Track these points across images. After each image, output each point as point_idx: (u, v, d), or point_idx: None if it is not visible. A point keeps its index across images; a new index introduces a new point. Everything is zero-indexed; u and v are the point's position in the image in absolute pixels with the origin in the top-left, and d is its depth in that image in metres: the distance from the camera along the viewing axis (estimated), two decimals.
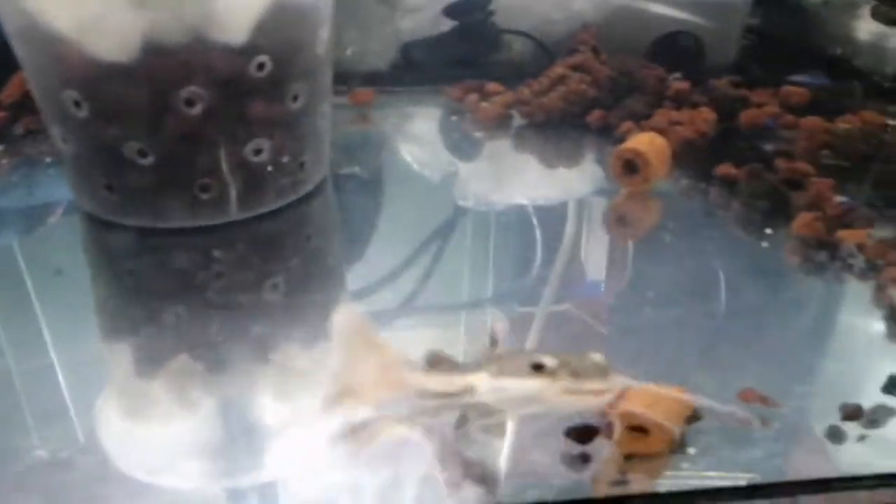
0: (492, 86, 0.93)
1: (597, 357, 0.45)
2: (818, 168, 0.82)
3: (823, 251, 0.68)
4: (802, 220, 0.69)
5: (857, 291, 0.65)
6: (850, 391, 0.55)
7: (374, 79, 0.99)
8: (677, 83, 0.93)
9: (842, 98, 0.93)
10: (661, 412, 0.46)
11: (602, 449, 0.48)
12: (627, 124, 0.86)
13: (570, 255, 0.72)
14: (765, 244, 0.71)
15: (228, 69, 0.64)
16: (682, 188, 0.80)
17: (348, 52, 1.00)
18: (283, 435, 0.52)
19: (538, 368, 0.44)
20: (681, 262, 0.70)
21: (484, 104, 0.91)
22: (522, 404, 0.45)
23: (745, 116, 0.89)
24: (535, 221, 0.76)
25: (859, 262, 0.66)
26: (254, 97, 0.66)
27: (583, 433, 0.47)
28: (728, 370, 0.56)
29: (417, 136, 0.93)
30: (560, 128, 0.90)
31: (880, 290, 0.63)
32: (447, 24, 1.02)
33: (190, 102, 0.64)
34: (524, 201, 0.81)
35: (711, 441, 0.50)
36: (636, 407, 0.45)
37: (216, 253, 0.68)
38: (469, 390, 0.46)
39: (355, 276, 0.69)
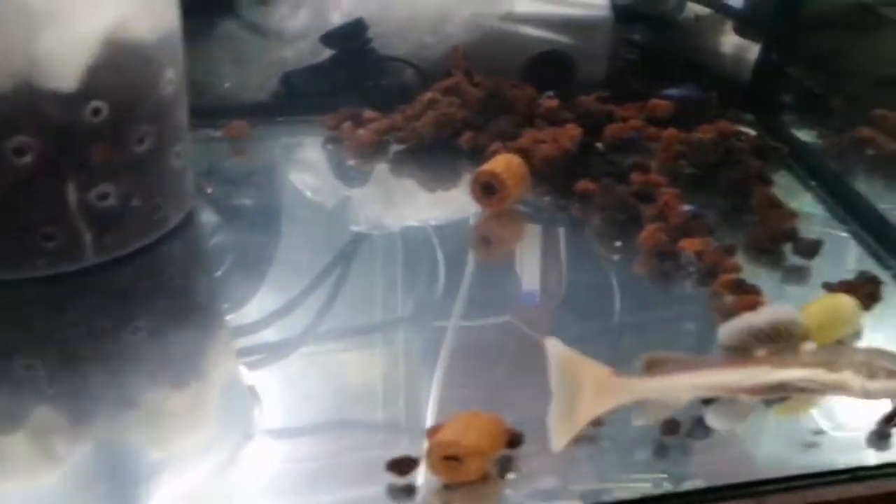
0: (367, 113, 0.95)
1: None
2: (677, 179, 0.87)
3: (667, 261, 0.72)
4: (647, 232, 0.73)
5: (697, 300, 0.69)
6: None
7: (255, 110, 1.00)
8: (548, 101, 0.97)
9: (702, 109, 0.98)
10: (473, 438, 0.48)
11: (427, 480, 0.50)
12: (496, 144, 0.89)
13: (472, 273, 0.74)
14: (616, 257, 0.75)
15: (60, 117, 0.63)
16: (545, 205, 0.84)
17: (226, 85, 1.01)
18: (160, 480, 0.53)
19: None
20: (534, 278, 0.73)
21: (360, 131, 0.94)
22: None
23: (609, 131, 0.93)
24: (434, 241, 0.78)
25: (697, 270, 0.70)
26: (93, 142, 0.66)
27: (402, 465, 0.49)
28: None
29: (304, 165, 0.95)
30: (434, 151, 0.93)
31: (713, 297, 0.67)
32: (329, 53, 1.04)
33: (19, 152, 0.64)
34: (416, 223, 0.83)
35: (538, 464, 0.51)
36: (448, 435, 0.47)
37: (71, 301, 0.68)
38: (841, 386, 0.50)
39: (251, 310, 0.69)
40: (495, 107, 0.95)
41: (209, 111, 0.95)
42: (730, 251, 0.70)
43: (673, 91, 1.05)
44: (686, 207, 0.76)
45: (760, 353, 0.50)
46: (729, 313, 0.65)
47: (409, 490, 0.49)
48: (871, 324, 0.65)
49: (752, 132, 0.96)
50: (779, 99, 0.99)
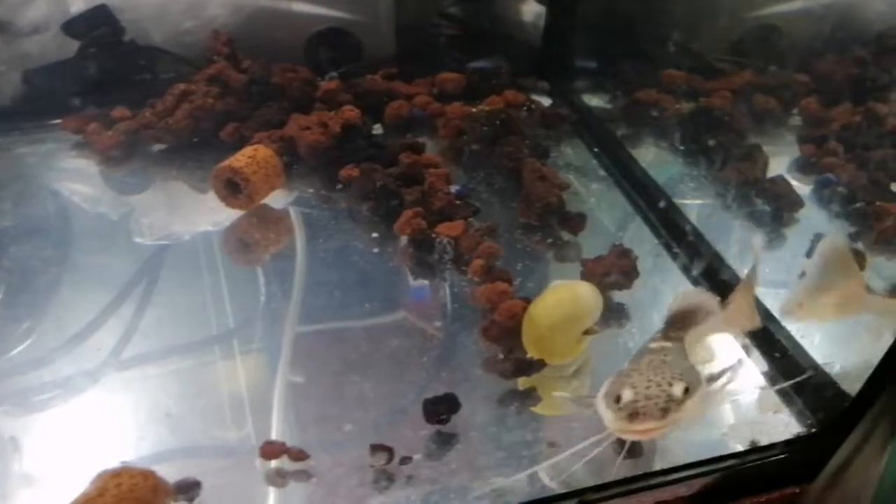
0: (116, 111, 0.84)
1: (676, 391, 0.46)
2: (460, 157, 0.81)
3: (425, 249, 0.66)
4: (403, 218, 0.66)
5: (453, 290, 0.63)
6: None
7: None
8: (327, 84, 0.89)
9: (492, 80, 0.92)
10: (112, 502, 0.39)
11: None
12: (261, 135, 0.81)
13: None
14: (376, 249, 0.69)
15: None
16: (309, 198, 0.76)
17: None
18: None
19: (617, 401, 0.46)
20: (290, 283, 0.65)
21: (107, 134, 0.83)
22: None
23: (390, 109, 0.86)
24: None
25: (451, 256, 0.64)
26: None
27: None
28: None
29: (69, 170, 0.83)
30: (196, 147, 0.83)
31: (469, 286, 0.62)
32: (77, 47, 0.92)
33: None
34: (210, 228, 0.73)
35: None
36: None
37: None
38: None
39: (34, 340, 0.59)
40: (263, 94, 0.86)
41: None
42: (490, 233, 0.64)
43: (479, 64, 1.00)
44: (454, 188, 0.71)
45: None
46: (479, 305, 0.60)
47: None
48: (631, 301, 0.61)
49: (548, 100, 0.93)
50: (570, 65, 0.95)
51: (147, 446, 0.51)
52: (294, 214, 0.74)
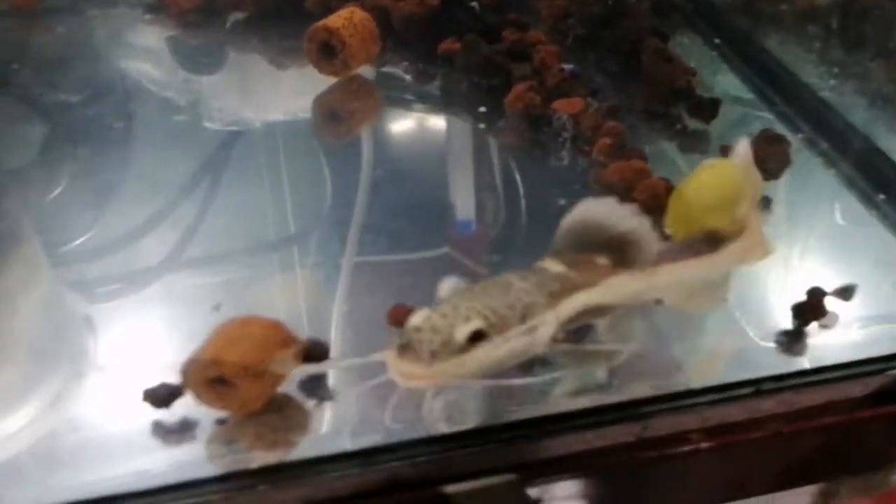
0: None
1: (460, 333, 0.34)
2: (564, 39, 0.74)
3: (539, 126, 0.59)
4: (515, 93, 0.60)
5: (572, 170, 0.58)
6: None
7: None
8: None
9: None
10: (240, 353, 0.34)
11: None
12: (351, 5, 0.74)
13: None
14: (482, 124, 0.63)
15: None
16: (406, 70, 0.69)
17: None
18: None
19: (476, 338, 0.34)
20: (390, 157, 0.60)
21: None
22: None
23: None
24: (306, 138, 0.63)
25: (571, 135, 0.58)
26: None
27: (158, 395, 0.36)
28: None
29: (137, 47, 0.76)
30: (278, 18, 0.77)
31: (595, 165, 0.56)
32: None
33: None
34: (281, 116, 0.67)
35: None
36: (206, 352, 0.34)
37: None
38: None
39: (100, 231, 0.54)
40: None
41: None
42: (612, 113, 0.58)
43: None
44: (565, 67, 0.65)
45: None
46: (610, 184, 0.54)
47: (185, 427, 0.37)
48: (778, 194, 0.54)
49: None
50: None
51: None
52: (386, 88, 0.68)
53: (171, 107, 0.69)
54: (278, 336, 0.36)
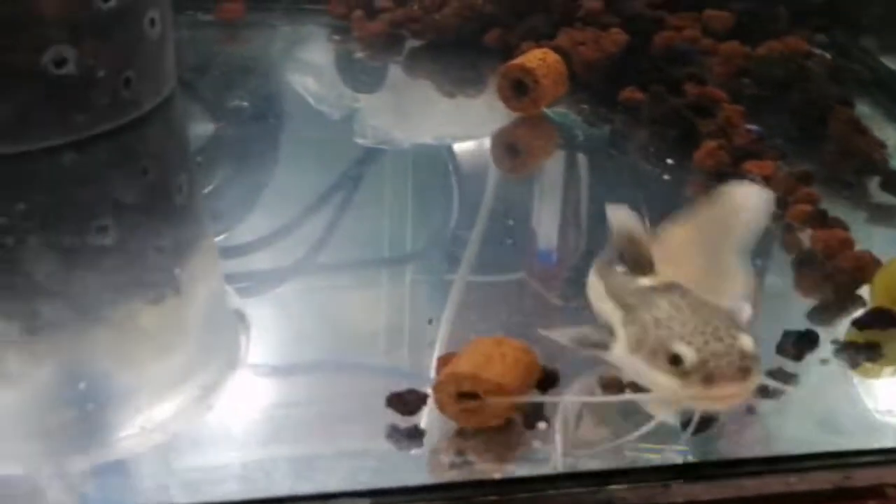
0: (383, 1, 0.82)
1: (746, 343, 0.34)
2: (734, 96, 0.74)
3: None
4: (706, 149, 0.60)
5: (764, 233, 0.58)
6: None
7: None
8: (590, 2, 0.84)
9: (766, 23, 0.85)
10: (496, 372, 0.36)
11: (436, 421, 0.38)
12: (528, 45, 0.76)
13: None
14: (666, 176, 0.63)
15: None
16: (583, 114, 0.71)
17: None
18: (129, 408, 0.42)
19: (675, 362, 0.34)
20: (570, 196, 0.62)
21: (371, 22, 0.81)
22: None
23: (659, 39, 0.79)
24: (448, 164, 0.66)
25: None
26: None
27: (405, 401, 0.38)
28: None
29: (306, 62, 0.81)
30: (456, 48, 0.80)
31: (788, 230, 0.55)
32: None
33: None
34: (431, 138, 0.70)
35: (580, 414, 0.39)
36: (464, 366, 0.36)
37: (19, 189, 0.56)
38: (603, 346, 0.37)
39: (242, 230, 0.58)
40: (529, 3, 0.82)
41: None
42: (804, 178, 0.58)
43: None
44: (751, 127, 0.65)
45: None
46: (804, 251, 0.54)
47: (414, 433, 0.38)
48: None
49: (825, 54, 0.84)
50: (857, 19, 0.86)
51: (324, 353, 0.48)
52: (567, 129, 0.69)
53: (327, 121, 0.72)
54: (528, 359, 0.38)
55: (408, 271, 0.57)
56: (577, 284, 0.46)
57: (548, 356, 0.41)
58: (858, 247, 0.53)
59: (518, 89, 0.66)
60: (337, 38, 0.81)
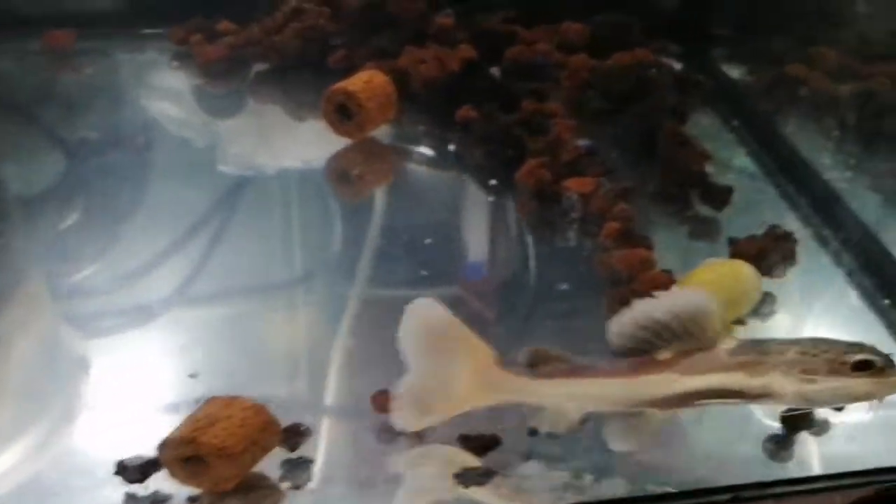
0: (223, 24, 0.79)
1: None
2: (582, 112, 0.73)
3: (548, 204, 0.59)
4: (527, 168, 0.59)
5: (577, 252, 0.57)
6: None
7: (97, 20, 0.82)
8: (442, 19, 0.83)
9: (621, 35, 0.85)
10: (220, 436, 0.34)
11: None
12: (371, 65, 0.75)
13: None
14: (491, 198, 0.63)
15: None
16: (419, 135, 0.70)
17: None
18: None
19: (862, 367, 0.38)
20: (392, 224, 0.60)
21: (211, 47, 0.78)
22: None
23: (510, 54, 0.79)
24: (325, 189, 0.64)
25: (580, 215, 0.58)
26: None
27: (131, 468, 0.36)
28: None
29: (156, 88, 0.78)
30: (300, 71, 0.77)
31: (598, 251, 0.54)
32: None
33: None
34: (296, 164, 0.68)
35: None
36: (185, 430, 0.34)
37: None
38: (769, 393, 0.39)
39: (103, 265, 0.55)
40: (376, 21, 0.80)
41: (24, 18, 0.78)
42: (623, 195, 0.57)
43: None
44: (582, 142, 0.64)
45: (664, 354, 0.38)
46: (613, 272, 0.53)
47: (157, 501, 0.36)
48: (781, 292, 0.53)
49: (677, 65, 0.85)
50: (707, 30, 0.86)
51: (201, 389, 0.45)
52: (402, 153, 0.68)
53: (189, 146, 0.70)
54: (258, 419, 0.36)
55: (279, 298, 0.55)
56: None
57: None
58: (675, 261, 0.53)
59: (343, 113, 0.64)
60: (176, 63, 0.78)
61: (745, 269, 0.46)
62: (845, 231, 0.58)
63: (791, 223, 0.61)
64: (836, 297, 0.55)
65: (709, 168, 0.63)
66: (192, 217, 0.60)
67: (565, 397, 0.40)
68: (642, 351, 0.39)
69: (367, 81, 0.64)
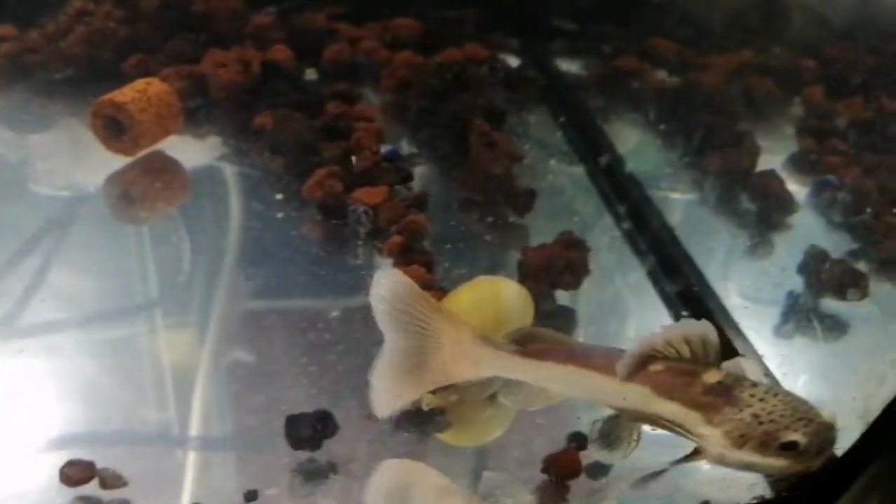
0: (1, 29, 0.70)
1: (828, 416, 0.38)
2: (400, 110, 0.69)
3: (335, 218, 0.53)
4: (316, 179, 0.54)
5: (364, 271, 0.51)
6: None
7: None
8: (261, 18, 0.77)
9: (455, 30, 0.80)
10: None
11: None
12: (168, 70, 0.67)
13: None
14: (280, 214, 0.57)
15: None
16: (216, 147, 0.63)
17: None
18: None
19: (788, 448, 0.37)
20: (177, 248, 0.53)
21: None
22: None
23: (328, 52, 0.74)
24: None
25: (368, 229, 0.52)
26: None
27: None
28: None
29: None
30: (95, 79, 0.69)
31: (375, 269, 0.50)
32: None
33: None
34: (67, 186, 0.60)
35: None
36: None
37: None
38: (700, 445, 0.38)
39: None
40: (180, 23, 0.73)
41: None
42: (418, 203, 0.53)
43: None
44: (384, 148, 0.59)
45: (656, 367, 0.38)
46: None
47: None
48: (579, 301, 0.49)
49: (516, 60, 0.80)
50: (546, 22, 0.82)
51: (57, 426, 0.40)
52: (193, 166, 0.62)
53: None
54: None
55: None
56: None
57: None
58: (477, 273, 0.48)
59: (115, 128, 0.57)
60: None
61: (507, 289, 0.41)
62: (650, 234, 0.55)
63: (605, 226, 0.58)
64: (634, 305, 0.52)
65: (522, 170, 0.60)
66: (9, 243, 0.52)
67: (547, 379, 0.39)
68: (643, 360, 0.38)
69: (141, 91, 0.57)
